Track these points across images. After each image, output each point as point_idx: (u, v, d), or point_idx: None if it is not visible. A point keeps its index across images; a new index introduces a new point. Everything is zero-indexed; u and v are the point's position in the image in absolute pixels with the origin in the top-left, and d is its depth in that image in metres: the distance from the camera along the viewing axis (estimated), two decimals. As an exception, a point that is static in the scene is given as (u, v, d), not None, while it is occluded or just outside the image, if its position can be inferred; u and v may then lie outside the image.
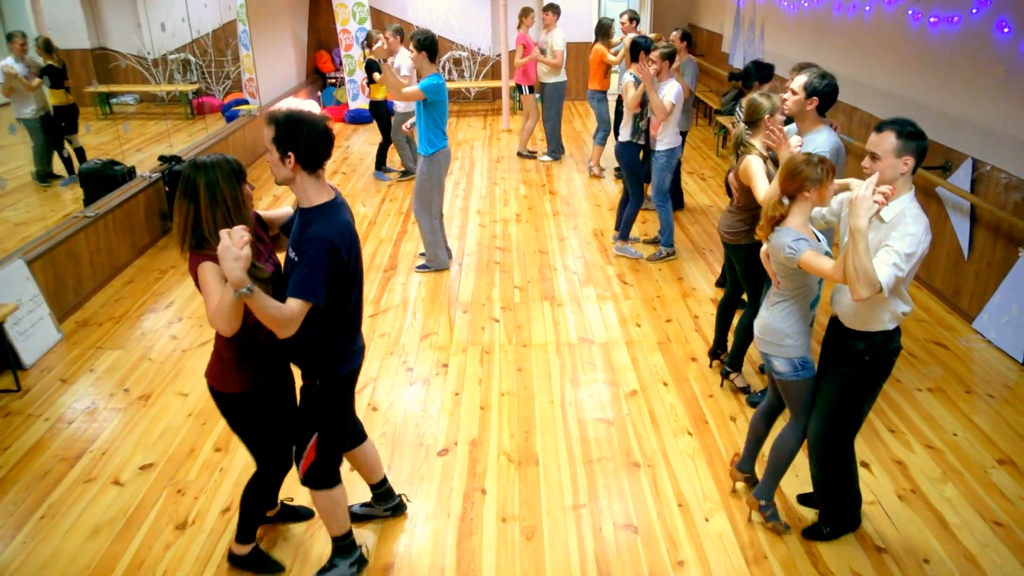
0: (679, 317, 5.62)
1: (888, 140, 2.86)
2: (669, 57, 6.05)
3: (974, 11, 5.31)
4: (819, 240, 3.20)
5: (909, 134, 2.85)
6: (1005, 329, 5.06)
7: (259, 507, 3.28)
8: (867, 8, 6.82)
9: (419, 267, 6.54)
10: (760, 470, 3.71)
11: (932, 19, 5.79)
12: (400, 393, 4.71)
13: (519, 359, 5.08)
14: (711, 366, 4.95)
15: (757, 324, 3.37)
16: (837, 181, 3.22)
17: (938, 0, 5.74)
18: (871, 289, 2.77)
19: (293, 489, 3.77)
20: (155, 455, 4.13)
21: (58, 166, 7.32)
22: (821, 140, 3.96)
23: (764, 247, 3.31)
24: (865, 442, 4.14)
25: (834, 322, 3.25)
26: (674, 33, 7.59)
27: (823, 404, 3.28)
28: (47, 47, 7.02)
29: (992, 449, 4.10)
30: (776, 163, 3.84)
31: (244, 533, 3.31)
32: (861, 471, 3.90)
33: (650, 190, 6.77)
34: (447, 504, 3.73)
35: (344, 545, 3.23)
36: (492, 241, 7.13)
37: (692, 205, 8.07)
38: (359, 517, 3.62)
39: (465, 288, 6.17)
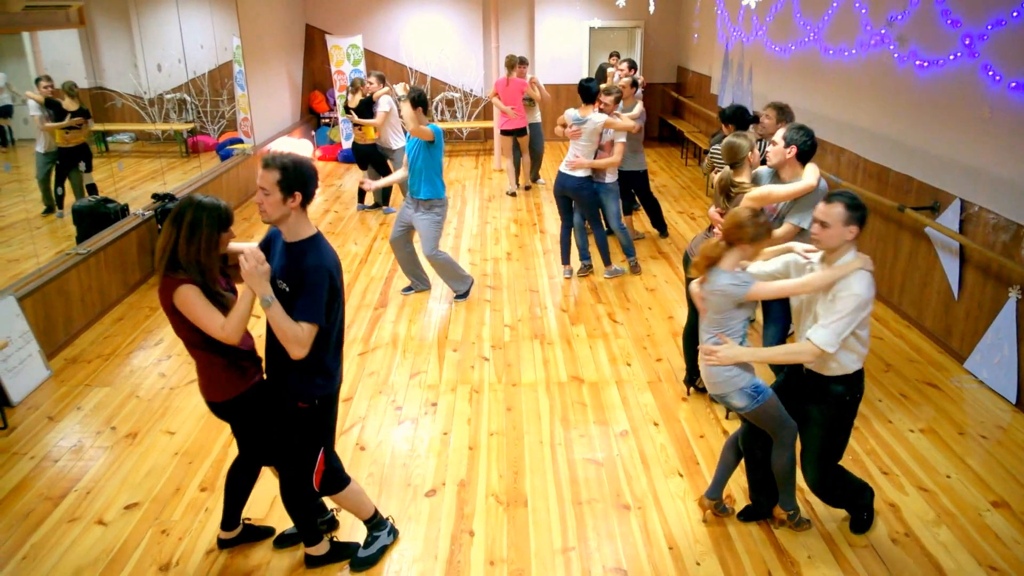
0: (669, 356, 5.61)
1: (837, 210, 3.15)
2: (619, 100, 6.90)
3: (959, 54, 5.40)
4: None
5: (855, 206, 3.16)
6: (997, 369, 5.06)
7: (308, 506, 3.44)
8: (854, 51, 6.94)
9: (458, 296, 6.71)
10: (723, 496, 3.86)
11: (918, 61, 5.89)
12: (388, 432, 4.67)
13: (509, 398, 5.05)
14: (689, 394, 5.03)
15: (704, 374, 3.46)
16: (778, 247, 3.56)
17: (924, 43, 5.84)
18: (815, 355, 3.20)
19: (252, 509, 3.81)
20: (140, 494, 4.07)
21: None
22: None
23: (695, 283, 3.44)
24: (857, 483, 4.11)
25: (797, 372, 3.48)
26: (624, 80, 8.07)
27: (813, 451, 3.48)
28: (71, 91, 7.18)
29: (986, 491, 4.07)
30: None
31: (312, 536, 3.48)
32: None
33: (610, 219, 7.13)
34: (434, 546, 3.68)
35: (376, 522, 3.59)
36: (483, 279, 7.13)
37: (682, 245, 8.11)
38: (293, 539, 3.67)
39: (455, 326, 6.15)
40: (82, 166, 7.41)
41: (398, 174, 6.49)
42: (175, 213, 3.03)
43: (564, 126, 6.74)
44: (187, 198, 3.07)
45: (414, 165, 6.20)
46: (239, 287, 3.21)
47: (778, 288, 3.37)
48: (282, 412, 3.25)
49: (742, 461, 3.72)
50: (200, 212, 3.01)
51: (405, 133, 6.32)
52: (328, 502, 3.78)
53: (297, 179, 2.97)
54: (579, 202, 6.87)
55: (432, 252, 6.39)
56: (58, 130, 7.15)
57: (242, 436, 3.44)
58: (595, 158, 6.68)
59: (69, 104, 7.15)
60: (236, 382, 3.22)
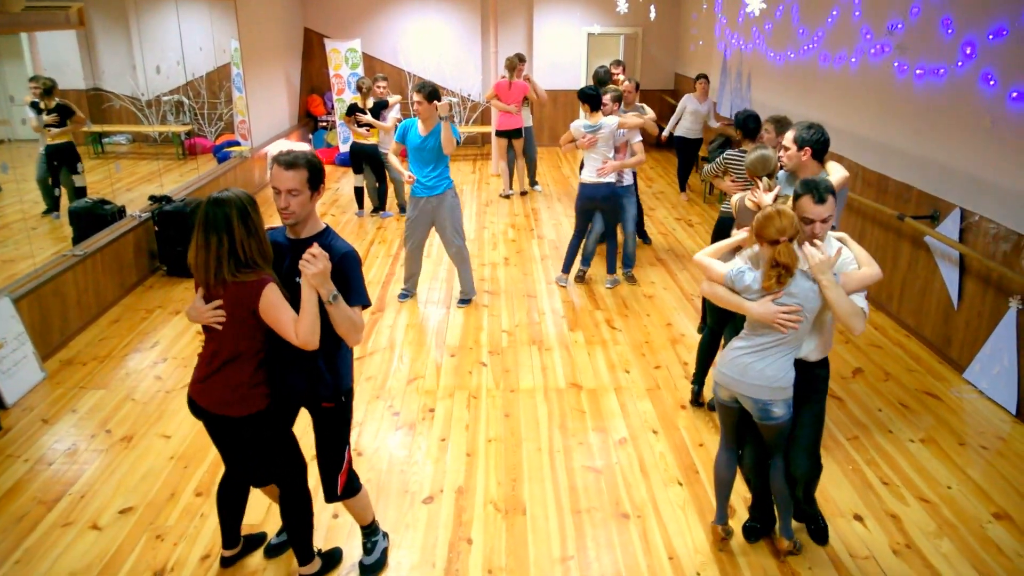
0: (668, 363, 5.59)
1: (832, 204, 3.26)
2: (617, 99, 6.72)
3: (960, 64, 5.40)
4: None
5: (832, 188, 3.29)
6: (997, 380, 5.05)
7: (309, 522, 3.35)
8: (853, 59, 6.94)
9: (461, 302, 6.70)
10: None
11: (918, 70, 5.89)
12: (385, 438, 4.63)
13: (507, 404, 5.02)
14: (699, 404, 5.00)
15: (762, 375, 3.27)
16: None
17: (924, 52, 5.84)
18: (864, 319, 3.23)
19: (247, 516, 3.76)
20: (135, 499, 4.03)
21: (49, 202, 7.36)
22: None
23: (771, 301, 3.22)
24: (858, 494, 4.09)
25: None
26: (628, 83, 7.90)
27: (807, 442, 3.47)
28: (47, 90, 7.17)
29: (988, 503, 4.05)
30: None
31: (306, 554, 3.39)
32: (855, 525, 3.87)
33: (627, 223, 7.12)
34: (432, 554, 3.65)
35: (373, 527, 3.57)
36: (480, 284, 7.11)
37: (680, 251, 8.10)
38: (282, 548, 3.64)
39: (453, 331, 6.12)
40: (68, 168, 7.38)
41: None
42: (209, 220, 2.85)
43: (572, 141, 6.66)
44: (209, 202, 2.87)
45: (440, 164, 6.19)
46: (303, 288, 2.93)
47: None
48: (284, 423, 3.22)
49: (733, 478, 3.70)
50: (243, 202, 2.88)
51: (404, 135, 6.28)
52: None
53: (319, 174, 3.03)
54: (608, 210, 6.83)
55: (463, 244, 6.49)
56: (43, 128, 7.17)
57: (246, 453, 3.24)
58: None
59: (46, 103, 7.15)
60: (261, 398, 3.08)
